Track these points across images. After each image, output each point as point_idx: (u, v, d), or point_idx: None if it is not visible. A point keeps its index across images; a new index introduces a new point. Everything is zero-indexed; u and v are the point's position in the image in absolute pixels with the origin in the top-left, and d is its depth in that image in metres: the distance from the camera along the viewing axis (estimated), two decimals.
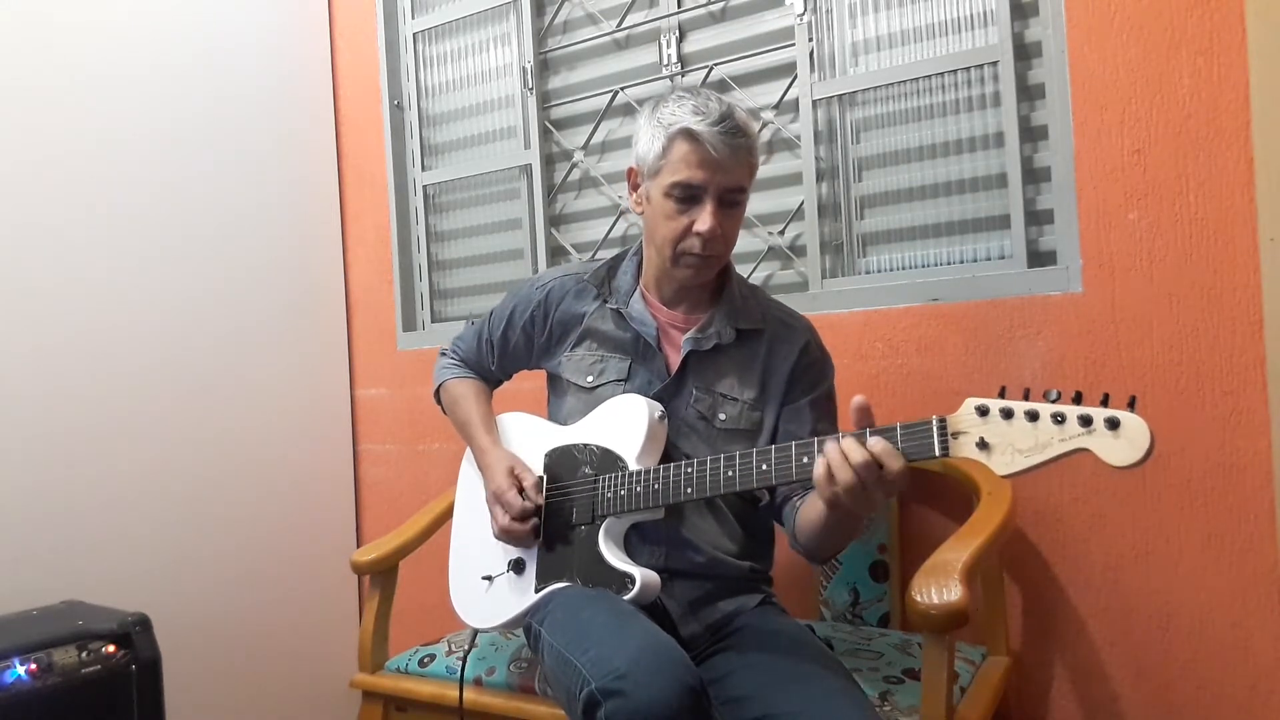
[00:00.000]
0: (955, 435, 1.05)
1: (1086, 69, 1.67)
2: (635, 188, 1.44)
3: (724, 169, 1.32)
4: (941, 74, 1.86)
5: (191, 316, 2.23)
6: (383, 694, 1.72)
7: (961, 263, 1.86)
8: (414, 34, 2.56)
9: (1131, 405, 0.96)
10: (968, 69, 1.83)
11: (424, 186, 2.57)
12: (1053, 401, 1.00)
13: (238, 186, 2.36)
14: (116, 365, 2.08)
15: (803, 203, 1.98)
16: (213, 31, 2.32)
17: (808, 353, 1.45)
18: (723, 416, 1.41)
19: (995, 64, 1.79)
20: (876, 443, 1.08)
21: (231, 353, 2.31)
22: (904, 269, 1.92)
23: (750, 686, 1.22)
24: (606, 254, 1.76)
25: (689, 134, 1.31)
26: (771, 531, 1.50)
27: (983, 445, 1.03)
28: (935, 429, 1.06)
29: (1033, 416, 1.00)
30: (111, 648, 1.63)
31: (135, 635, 1.65)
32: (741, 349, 1.44)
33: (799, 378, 1.44)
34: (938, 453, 1.06)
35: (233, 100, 2.36)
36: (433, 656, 1.70)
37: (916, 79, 1.88)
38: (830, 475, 1.09)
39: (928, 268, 1.89)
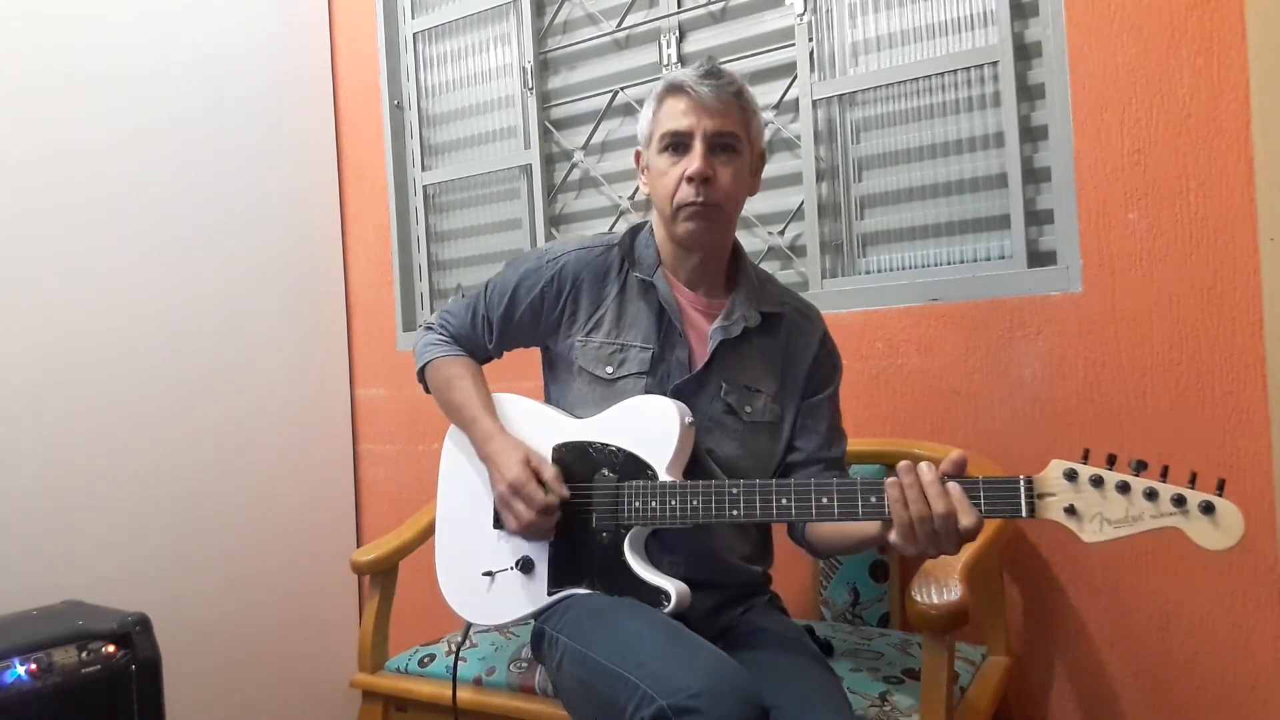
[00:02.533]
0: (1041, 496, 1.04)
1: (1086, 69, 1.67)
2: (643, 170, 1.43)
3: (710, 112, 1.32)
4: (941, 74, 1.86)
5: (191, 316, 2.23)
6: (382, 694, 1.72)
7: (961, 263, 1.86)
8: (414, 34, 2.56)
9: (1221, 488, 0.97)
10: (968, 69, 1.83)
11: (424, 186, 2.57)
12: (1137, 472, 1.00)
13: (238, 186, 2.36)
14: (116, 365, 2.08)
15: (803, 203, 1.98)
16: (213, 32, 2.32)
17: (825, 344, 1.45)
18: (749, 410, 1.37)
19: (995, 64, 1.80)
20: (954, 488, 1.06)
21: (232, 352, 2.31)
22: (904, 269, 1.92)
23: None
24: None
25: (674, 87, 1.35)
26: (772, 531, 1.50)
27: (1071, 511, 1.02)
28: (1023, 489, 1.05)
29: (1124, 488, 1.00)
30: (111, 648, 1.63)
31: (135, 635, 1.65)
32: (764, 337, 1.41)
33: (817, 370, 1.43)
34: (1024, 514, 1.04)
35: (233, 100, 2.36)
36: (432, 656, 1.70)
37: (916, 79, 1.88)
38: (904, 503, 1.08)
39: (928, 268, 1.89)
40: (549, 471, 1.34)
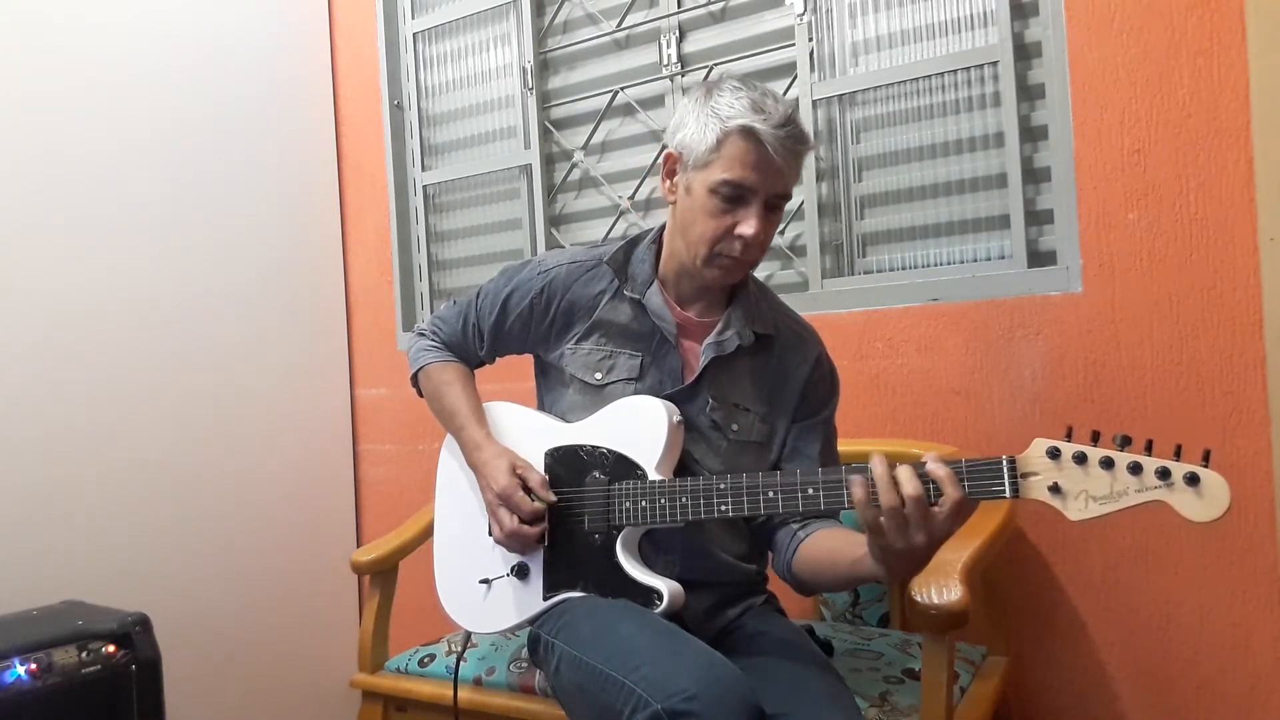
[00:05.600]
0: (1025, 476, 1.02)
1: (1086, 69, 1.67)
2: (671, 174, 1.35)
3: (778, 173, 1.26)
4: (941, 74, 1.86)
5: (192, 317, 2.23)
6: (383, 694, 1.72)
7: (961, 263, 1.86)
8: (414, 34, 2.56)
9: (1206, 459, 0.95)
10: (968, 69, 1.83)
11: (424, 186, 2.57)
12: (1122, 447, 0.99)
13: (238, 186, 2.36)
14: (117, 365, 2.08)
15: (803, 203, 1.98)
16: (213, 32, 2.32)
17: (820, 366, 1.42)
18: (735, 427, 1.36)
19: (995, 64, 1.79)
20: (937, 468, 1.03)
21: (232, 353, 2.31)
22: (904, 269, 1.92)
23: None
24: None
25: (749, 132, 1.24)
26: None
27: (1055, 490, 1.01)
28: (1005, 469, 1.03)
29: (1107, 464, 0.98)
30: (111, 648, 1.63)
31: (135, 635, 1.65)
32: (755, 356, 1.39)
33: (811, 393, 1.40)
34: (1008, 494, 1.02)
35: (233, 100, 2.36)
36: (432, 656, 1.70)
37: (916, 79, 1.88)
38: (873, 498, 1.05)
39: (928, 268, 1.89)
40: (535, 477, 1.34)
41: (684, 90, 2.15)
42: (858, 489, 1.06)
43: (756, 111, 1.24)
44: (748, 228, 1.26)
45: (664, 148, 1.37)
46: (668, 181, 1.36)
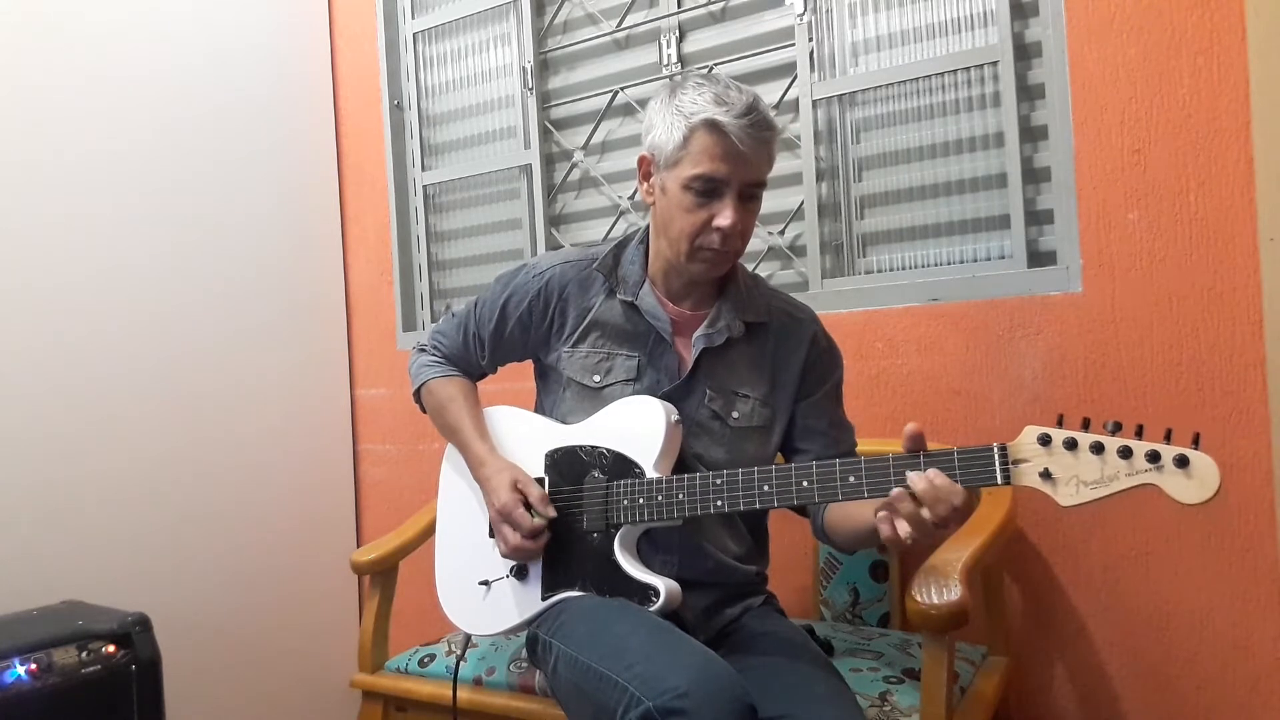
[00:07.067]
0: (1016, 463, 1.03)
1: (1086, 69, 1.67)
2: (646, 177, 1.37)
3: (747, 162, 1.27)
4: (941, 74, 1.86)
5: (192, 317, 2.23)
6: (383, 694, 1.72)
7: (961, 263, 1.86)
8: (414, 34, 2.56)
9: (1196, 442, 0.96)
10: (968, 69, 1.83)
11: (424, 186, 2.57)
12: (1113, 433, 0.99)
13: (238, 187, 2.36)
14: (117, 364, 2.08)
15: (803, 203, 1.98)
16: (213, 32, 2.32)
17: (817, 344, 1.44)
18: (736, 415, 1.37)
19: (995, 64, 1.79)
20: (936, 476, 1.06)
21: (232, 353, 2.31)
22: (904, 269, 1.92)
23: None
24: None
25: (713, 125, 1.25)
26: (768, 532, 1.50)
27: (1046, 475, 1.02)
28: (996, 456, 1.04)
29: (1098, 449, 0.99)
30: (111, 648, 1.63)
31: (135, 635, 1.65)
32: (750, 343, 1.41)
33: (811, 370, 1.42)
34: (999, 481, 1.04)
35: (233, 101, 2.36)
36: (432, 656, 1.70)
37: (916, 79, 1.88)
38: (892, 524, 1.09)
39: (928, 268, 1.89)
40: (535, 494, 1.35)
41: None
42: (884, 527, 1.11)
43: (719, 104, 1.26)
44: (724, 219, 1.28)
45: None
46: (644, 184, 1.38)
